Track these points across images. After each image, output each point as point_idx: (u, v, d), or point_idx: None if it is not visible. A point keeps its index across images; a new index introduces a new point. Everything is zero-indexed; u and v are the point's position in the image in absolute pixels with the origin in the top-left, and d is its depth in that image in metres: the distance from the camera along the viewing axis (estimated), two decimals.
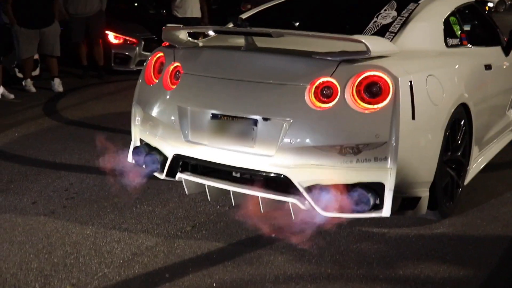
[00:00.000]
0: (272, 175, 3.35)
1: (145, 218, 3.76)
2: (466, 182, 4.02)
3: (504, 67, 4.83)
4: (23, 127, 6.06)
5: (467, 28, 4.63)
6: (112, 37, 9.51)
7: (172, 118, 3.66)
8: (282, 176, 3.30)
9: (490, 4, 29.39)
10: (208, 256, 3.27)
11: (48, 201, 4.01)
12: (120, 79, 8.98)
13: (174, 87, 3.73)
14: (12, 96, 7.42)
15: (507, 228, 3.66)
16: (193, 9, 8.96)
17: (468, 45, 4.36)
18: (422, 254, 3.29)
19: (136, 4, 12.15)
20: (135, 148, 3.96)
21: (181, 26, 3.94)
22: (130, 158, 4.02)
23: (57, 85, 8.02)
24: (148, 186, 4.28)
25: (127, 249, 3.32)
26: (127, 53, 9.56)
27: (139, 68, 7.94)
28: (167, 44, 3.92)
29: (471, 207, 3.96)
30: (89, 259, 3.19)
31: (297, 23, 4.11)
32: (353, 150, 3.16)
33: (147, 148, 3.86)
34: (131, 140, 4.04)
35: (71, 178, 4.48)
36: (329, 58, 3.28)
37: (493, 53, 4.70)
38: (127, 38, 9.58)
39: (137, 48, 9.50)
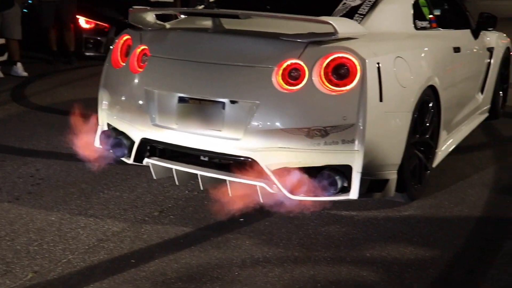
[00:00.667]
0: (240, 158, 3.31)
1: (112, 204, 3.71)
2: (434, 165, 4.03)
3: (473, 50, 4.85)
4: None
5: (437, 12, 4.63)
6: (83, 21, 9.34)
7: (139, 101, 3.60)
8: (250, 160, 3.27)
9: None
10: (175, 241, 3.23)
11: (13, 188, 3.92)
12: (91, 64, 8.84)
13: (141, 70, 3.67)
14: None
15: (473, 210, 3.68)
16: None
17: (437, 27, 4.36)
18: (390, 236, 3.30)
19: None
20: (102, 132, 3.89)
21: (148, 8, 3.86)
22: (97, 143, 3.96)
23: (20, 69, 7.87)
24: (116, 171, 4.23)
25: (93, 235, 3.27)
26: (98, 38, 9.41)
27: None
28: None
29: (439, 190, 3.98)
30: (53, 245, 3.13)
31: (266, 5, 4.05)
32: (321, 133, 3.14)
33: (114, 133, 3.80)
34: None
35: (37, 164, 4.40)
36: (297, 40, 3.24)
37: (462, 36, 4.71)
38: (99, 22, 9.43)
39: (109, 32, 9.35)
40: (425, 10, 4.23)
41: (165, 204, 3.70)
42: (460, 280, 2.88)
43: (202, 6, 3.79)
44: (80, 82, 7.82)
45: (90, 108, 5.84)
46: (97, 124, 3.99)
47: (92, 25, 9.40)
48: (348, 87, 3.13)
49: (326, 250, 3.13)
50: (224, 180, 3.41)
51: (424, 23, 4.13)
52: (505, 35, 5.93)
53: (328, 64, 3.15)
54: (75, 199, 3.77)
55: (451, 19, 4.82)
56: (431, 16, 4.31)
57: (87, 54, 9.35)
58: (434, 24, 4.31)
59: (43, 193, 3.85)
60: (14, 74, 7.85)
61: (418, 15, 4.07)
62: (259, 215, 3.49)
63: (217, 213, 3.55)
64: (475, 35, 4.90)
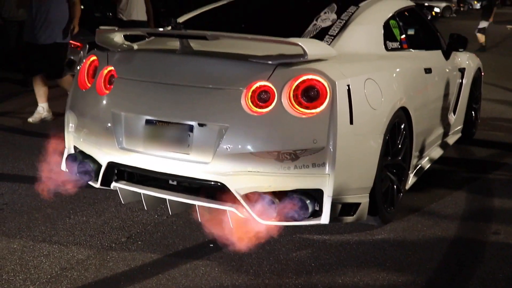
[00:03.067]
0: (209, 182, 3.23)
1: (78, 230, 3.59)
2: (407, 187, 3.99)
3: (445, 71, 4.85)
4: None
5: (408, 32, 4.64)
6: None
7: (106, 124, 3.51)
8: (219, 184, 3.19)
9: (437, 9, 30.16)
10: (142, 268, 3.13)
11: None
12: None
13: (107, 92, 3.58)
14: None
15: (446, 233, 3.64)
16: (139, 12, 8.74)
17: (408, 48, 4.35)
18: (362, 261, 3.23)
19: (82, 7, 11.86)
20: (69, 156, 3.78)
21: (116, 28, 3.79)
22: (63, 166, 3.85)
23: None
24: (84, 195, 4.12)
25: (56, 263, 3.15)
26: (71, 57, 9.27)
27: None
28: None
29: (412, 212, 3.94)
30: (13, 275, 3.00)
31: (235, 26, 4.01)
32: (291, 156, 3.07)
33: (81, 156, 3.70)
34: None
35: (2, 188, 4.26)
36: (266, 62, 3.19)
37: (433, 57, 4.71)
38: (71, 41, 9.29)
39: (82, 51, 9.22)
40: (396, 31, 4.23)
41: (133, 230, 3.60)
42: None
43: (170, 27, 3.71)
44: (51, 102, 7.61)
45: (59, 129, 5.73)
46: (64, 146, 3.88)
47: None
48: (318, 110, 3.08)
49: (298, 277, 3.05)
50: (194, 205, 3.33)
51: (395, 44, 4.12)
52: (475, 55, 5.97)
53: (297, 86, 3.10)
54: (39, 225, 3.64)
55: (422, 39, 4.83)
56: (402, 37, 4.30)
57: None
58: (405, 45, 4.30)
59: (6, 219, 3.72)
60: None
61: (389, 36, 4.06)
62: (229, 241, 3.40)
63: (186, 239, 3.47)
64: (446, 55, 4.90)
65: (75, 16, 6.75)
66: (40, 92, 6.58)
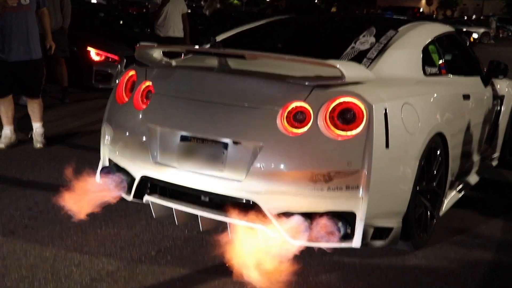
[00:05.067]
0: (241, 201, 3.23)
1: (109, 241, 3.62)
2: (441, 213, 3.93)
3: (483, 97, 4.78)
4: None
5: (447, 57, 4.59)
6: (93, 54, 9.39)
7: (142, 138, 3.55)
8: (251, 202, 3.19)
9: (475, 35, 29.88)
10: (170, 283, 3.14)
11: (9, 221, 3.85)
12: (100, 97, 8.82)
13: (144, 106, 3.63)
14: None
15: (480, 262, 3.56)
16: (176, 29, 8.89)
17: (447, 74, 4.31)
18: (393, 287, 3.18)
19: (121, 22, 12.10)
20: (103, 168, 3.84)
21: (155, 44, 3.84)
22: (98, 178, 3.90)
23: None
24: (116, 207, 4.14)
25: (86, 273, 3.18)
26: (108, 71, 9.44)
27: None
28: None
29: (445, 239, 3.87)
30: (44, 283, 3.04)
31: (273, 46, 4.03)
32: (324, 178, 3.06)
33: (115, 169, 3.74)
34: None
35: (36, 197, 4.33)
36: (303, 83, 3.20)
37: (472, 83, 4.65)
38: (109, 55, 9.48)
39: (119, 65, 9.38)
40: (435, 56, 4.19)
41: (163, 244, 3.61)
42: None
43: (209, 45, 3.75)
44: (88, 114, 7.80)
45: (94, 141, 5.82)
46: (99, 158, 3.93)
47: (102, 58, 9.44)
48: (353, 132, 3.06)
49: None
50: (225, 222, 3.33)
51: (434, 69, 4.09)
52: None
53: (334, 108, 3.10)
54: (71, 235, 3.69)
55: (461, 65, 4.78)
56: (440, 62, 4.27)
57: (97, 86, 9.36)
58: (443, 71, 4.27)
59: (40, 227, 3.77)
60: (22, 104, 7.84)
61: (427, 61, 4.03)
62: (259, 259, 3.38)
63: (215, 256, 3.46)
64: (485, 82, 4.84)
65: (47, 31, 6.11)
66: (9, 114, 5.84)
